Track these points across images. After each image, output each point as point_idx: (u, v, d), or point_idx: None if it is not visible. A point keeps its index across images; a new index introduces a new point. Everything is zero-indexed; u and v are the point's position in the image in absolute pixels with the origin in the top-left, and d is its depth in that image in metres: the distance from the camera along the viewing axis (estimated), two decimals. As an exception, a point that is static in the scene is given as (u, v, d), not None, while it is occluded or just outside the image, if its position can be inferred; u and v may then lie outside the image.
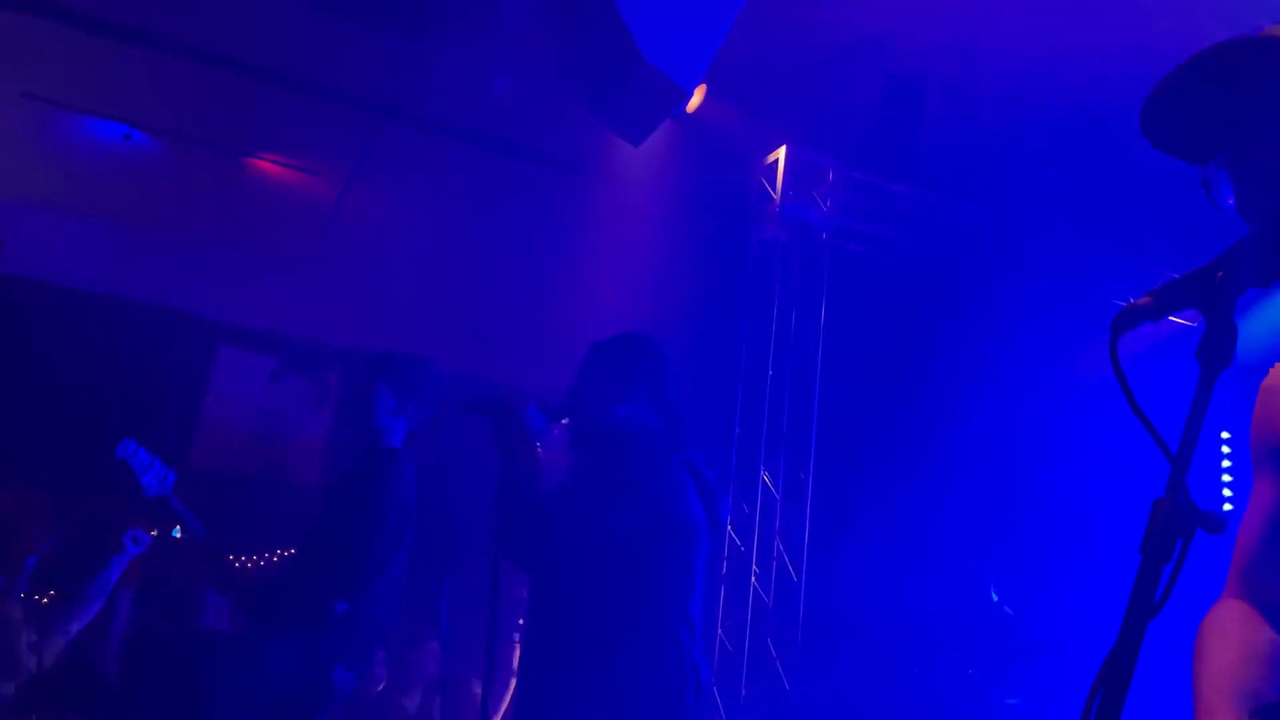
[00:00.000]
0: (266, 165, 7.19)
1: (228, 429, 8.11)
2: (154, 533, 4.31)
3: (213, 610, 5.86)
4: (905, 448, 6.96)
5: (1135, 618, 1.06)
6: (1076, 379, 6.92)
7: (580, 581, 2.68)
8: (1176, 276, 1.21)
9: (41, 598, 4.89)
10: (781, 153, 6.31)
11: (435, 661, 6.43)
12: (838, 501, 6.45)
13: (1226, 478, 7.51)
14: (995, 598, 5.84)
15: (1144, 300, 1.20)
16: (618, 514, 2.63)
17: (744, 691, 5.83)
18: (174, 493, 3.47)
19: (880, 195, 6.51)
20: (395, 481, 3.45)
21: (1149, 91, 1.48)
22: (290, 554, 7.74)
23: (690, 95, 4.80)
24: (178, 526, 4.31)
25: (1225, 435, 7.54)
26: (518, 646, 5.03)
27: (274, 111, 6.45)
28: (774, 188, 6.33)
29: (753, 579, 6.00)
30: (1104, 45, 5.45)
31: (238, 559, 7.59)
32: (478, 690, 6.42)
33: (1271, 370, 1.60)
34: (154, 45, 5.78)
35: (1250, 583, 1.53)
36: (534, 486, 2.76)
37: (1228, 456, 7.53)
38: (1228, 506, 7.29)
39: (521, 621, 2.93)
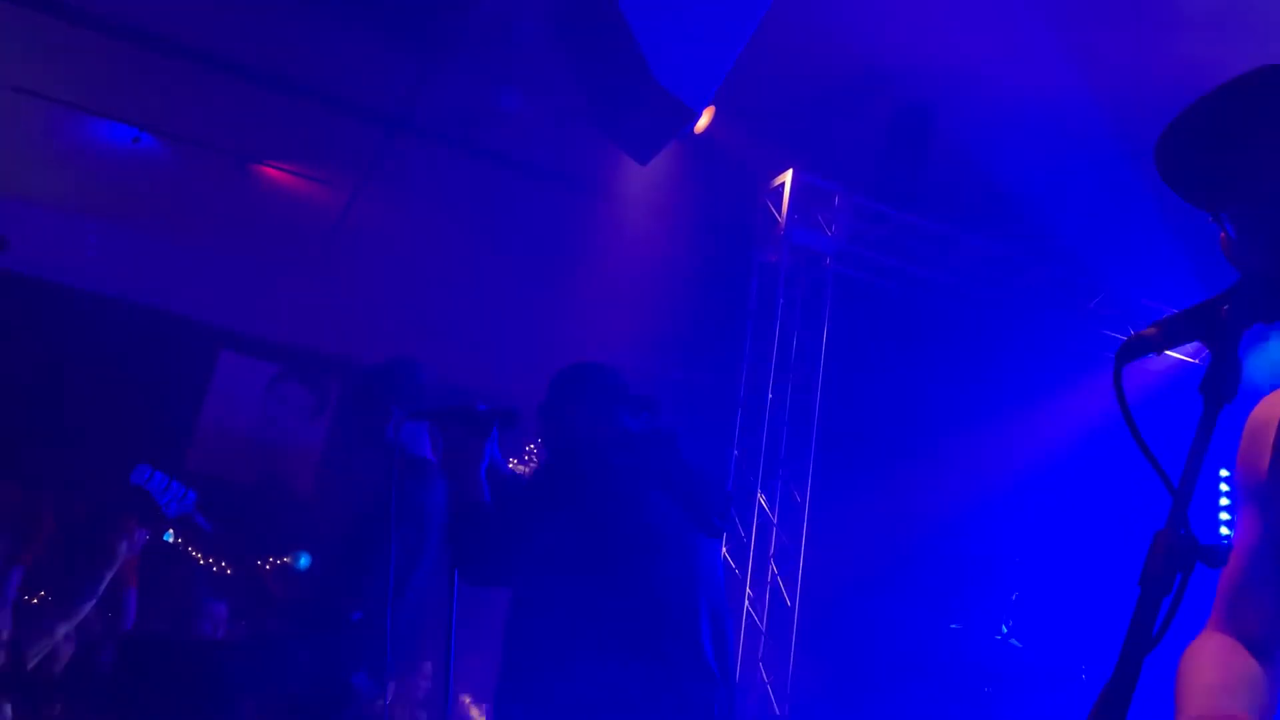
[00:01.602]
0: (274, 173, 7.21)
1: (225, 433, 8.11)
2: (148, 536, 4.30)
3: (209, 620, 5.84)
4: (903, 475, 6.94)
5: (1133, 650, 1.05)
6: (1080, 410, 6.91)
7: (567, 601, 2.61)
8: (1182, 309, 1.21)
9: (32, 598, 4.87)
10: (788, 177, 6.32)
11: (427, 683, 6.41)
12: (833, 526, 6.44)
13: (1224, 515, 7.49)
14: (1005, 630, 5.79)
15: (1150, 331, 1.20)
16: (595, 522, 2.59)
17: (745, 604, 5.79)
18: (196, 510, 3.46)
19: (885, 223, 6.52)
20: (416, 492, 3.47)
21: (1161, 132, 1.48)
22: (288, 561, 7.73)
23: (699, 116, 4.81)
24: (169, 530, 4.28)
25: (1224, 474, 7.52)
26: None
27: (284, 120, 6.48)
28: (779, 212, 6.34)
29: (746, 602, 5.97)
30: (1112, 78, 5.47)
31: (264, 562, 7.60)
32: (472, 712, 6.40)
33: (1258, 405, 1.60)
34: (165, 49, 5.81)
35: (1233, 617, 1.53)
36: (488, 498, 2.70)
37: (1227, 495, 7.51)
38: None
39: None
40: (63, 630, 4.23)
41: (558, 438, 2.91)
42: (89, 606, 4.27)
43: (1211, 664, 1.46)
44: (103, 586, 4.26)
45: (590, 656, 2.54)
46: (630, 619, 2.56)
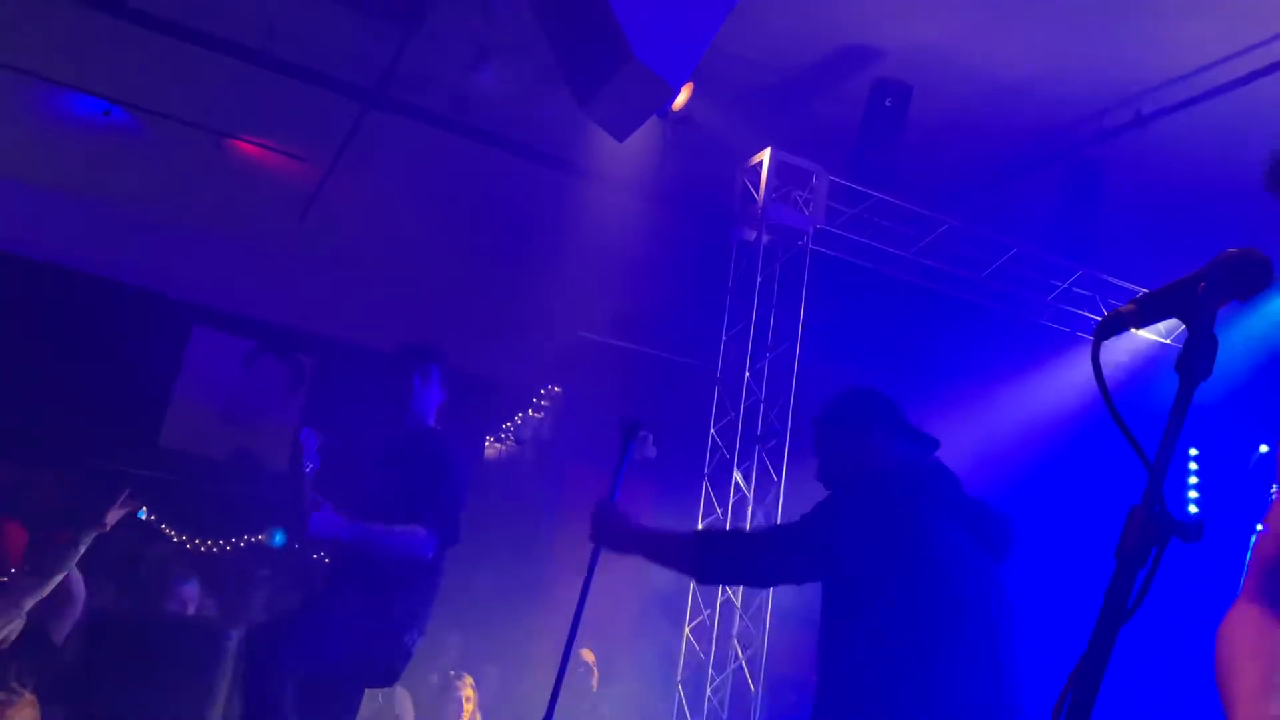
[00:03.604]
0: (249, 147, 7.12)
1: (199, 410, 8.06)
2: (140, 514, 4.31)
3: (177, 598, 5.82)
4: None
5: (1107, 622, 1.07)
6: (1055, 389, 6.97)
7: (864, 628, 2.63)
8: (1159, 287, 1.22)
9: (3, 574, 4.83)
10: (766, 155, 6.31)
11: None
12: (807, 503, 6.46)
13: (1193, 495, 7.59)
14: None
15: (1127, 308, 1.21)
16: (855, 549, 2.60)
17: (709, 691, 5.84)
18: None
19: (862, 202, 6.53)
20: (456, 452, 3.71)
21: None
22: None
23: (677, 93, 4.79)
24: (143, 508, 4.30)
25: (1194, 452, 7.62)
26: None
27: (258, 94, 6.39)
28: (757, 190, 6.34)
29: (722, 579, 6.00)
30: (1089, 61, 5.49)
31: (239, 539, 7.56)
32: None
33: None
34: (137, 20, 5.71)
35: (1269, 589, 1.58)
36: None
37: (1195, 474, 7.60)
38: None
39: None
40: (30, 604, 4.21)
41: (841, 463, 2.94)
42: (59, 579, 4.25)
43: (1253, 652, 1.50)
44: (78, 557, 4.24)
45: (886, 680, 2.55)
46: (927, 647, 2.55)
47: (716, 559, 2.86)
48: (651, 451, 3.04)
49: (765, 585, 3.05)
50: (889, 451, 2.87)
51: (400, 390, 3.78)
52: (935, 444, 2.91)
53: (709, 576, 3.10)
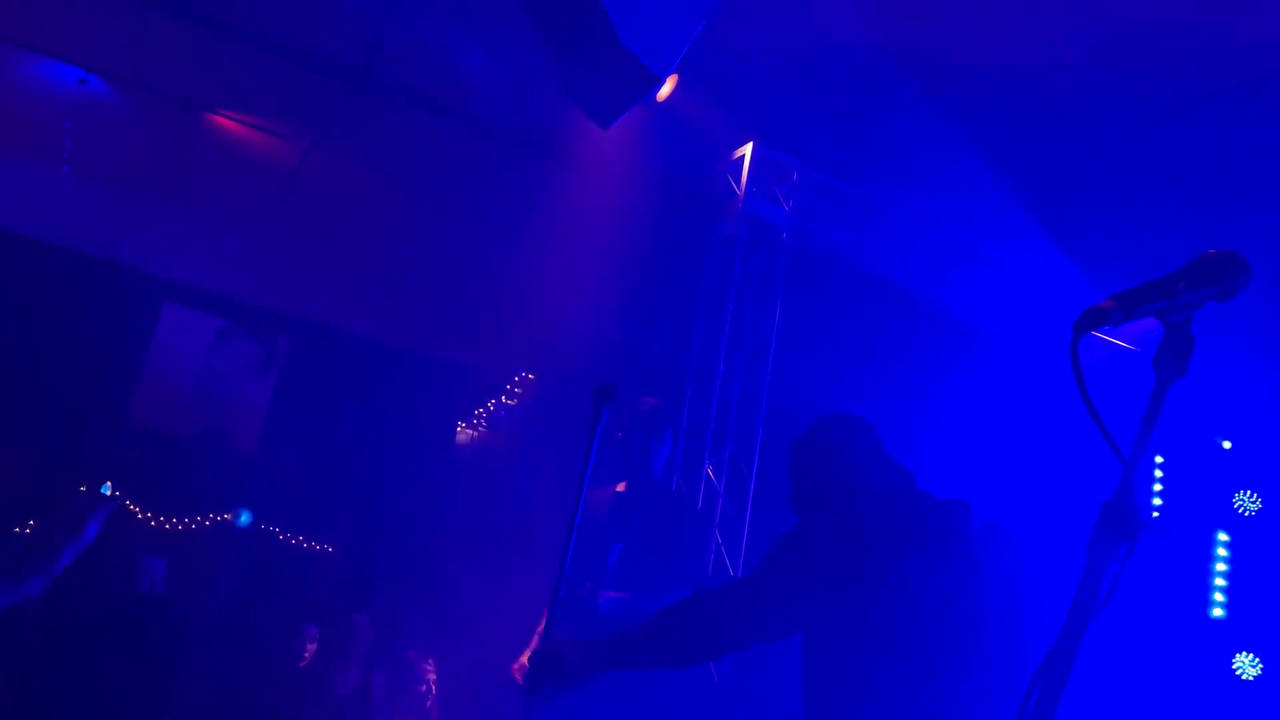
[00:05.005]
0: (227, 122, 7.04)
1: (169, 387, 7.98)
2: (104, 489, 4.24)
3: (147, 576, 5.78)
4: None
5: (1078, 616, 1.07)
6: (1036, 387, 7.01)
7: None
8: (1139, 284, 1.23)
9: None
10: (748, 150, 6.31)
11: (368, 635, 6.40)
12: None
13: (1157, 501, 7.65)
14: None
15: (1107, 304, 1.21)
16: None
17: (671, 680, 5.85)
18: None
19: (843, 199, 6.54)
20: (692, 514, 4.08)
21: None
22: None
23: (663, 82, 4.78)
24: (108, 483, 4.24)
25: (1159, 459, 7.68)
26: None
27: (239, 68, 6.32)
28: (738, 184, 6.33)
29: (691, 571, 6.01)
30: (1069, 56, 5.51)
31: (205, 519, 7.49)
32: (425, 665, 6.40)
33: None
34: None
35: None
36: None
37: (1160, 480, 7.67)
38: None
39: None
40: (5, 604, 4.09)
41: (819, 490, 2.89)
42: (40, 586, 4.09)
43: None
44: (58, 571, 4.01)
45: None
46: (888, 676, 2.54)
47: (699, 626, 2.73)
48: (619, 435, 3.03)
49: (746, 644, 2.97)
50: (868, 482, 2.79)
51: (640, 452, 3.86)
52: (912, 476, 2.84)
53: (697, 652, 2.79)
